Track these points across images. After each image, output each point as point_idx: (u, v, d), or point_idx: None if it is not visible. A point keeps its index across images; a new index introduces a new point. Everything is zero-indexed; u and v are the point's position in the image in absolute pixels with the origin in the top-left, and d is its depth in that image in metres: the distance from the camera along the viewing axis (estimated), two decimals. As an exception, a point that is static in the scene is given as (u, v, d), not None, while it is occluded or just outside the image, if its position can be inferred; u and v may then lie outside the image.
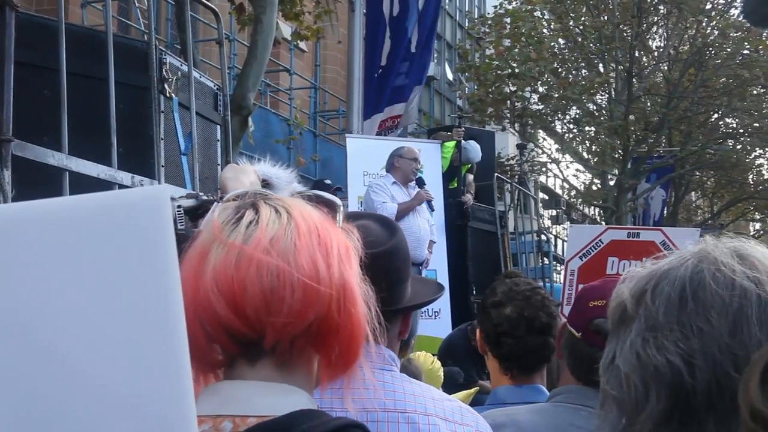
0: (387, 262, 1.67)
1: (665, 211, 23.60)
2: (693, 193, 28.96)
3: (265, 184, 2.08)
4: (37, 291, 0.72)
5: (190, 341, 0.75)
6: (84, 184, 3.86)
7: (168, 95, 4.74)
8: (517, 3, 20.37)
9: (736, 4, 20.72)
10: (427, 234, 7.25)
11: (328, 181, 9.19)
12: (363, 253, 1.21)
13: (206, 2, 6.35)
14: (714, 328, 0.95)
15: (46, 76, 4.18)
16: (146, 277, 0.73)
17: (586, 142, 23.65)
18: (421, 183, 7.27)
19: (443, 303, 7.71)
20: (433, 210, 7.40)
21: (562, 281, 5.47)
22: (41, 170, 3.76)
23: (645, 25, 21.12)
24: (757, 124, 23.14)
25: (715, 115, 23.04)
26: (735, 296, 0.96)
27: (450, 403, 1.66)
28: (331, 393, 1.26)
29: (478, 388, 3.79)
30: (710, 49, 20.94)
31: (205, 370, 1.14)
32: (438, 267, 8.01)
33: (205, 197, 2.20)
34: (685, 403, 0.95)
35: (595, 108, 21.91)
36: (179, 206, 2.11)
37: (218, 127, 5.57)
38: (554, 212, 26.37)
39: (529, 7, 19.84)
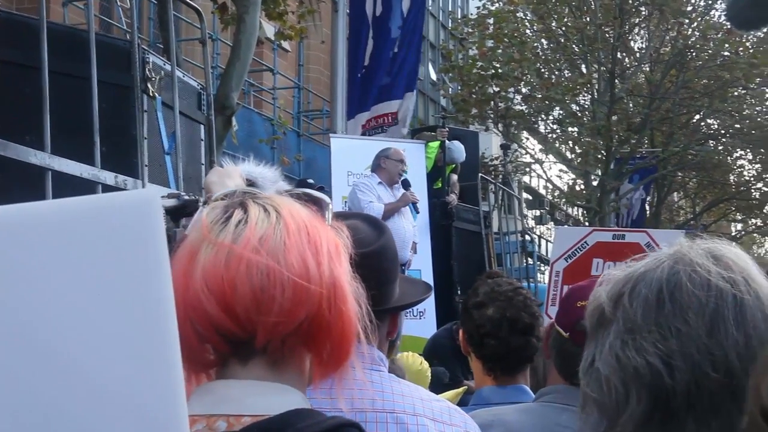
0: (375, 261, 1.66)
1: (646, 212, 23.74)
2: (675, 193, 29.14)
3: (250, 183, 2.08)
4: (30, 293, 0.72)
5: (181, 341, 0.74)
6: (67, 184, 3.82)
7: (151, 94, 4.71)
8: (499, 4, 20.43)
9: (716, 6, 20.91)
10: (411, 235, 7.26)
11: (310, 181, 9.17)
12: (353, 252, 1.21)
13: (189, 1, 6.31)
14: (692, 329, 0.96)
15: (27, 74, 4.14)
16: (138, 279, 0.73)
17: (569, 142, 23.78)
18: (406, 184, 7.27)
19: (428, 303, 7.71)
20: (418, 212, 7.40)
21: (547, 282, 5.49)
22: (23, 169, 3.72)
23: (627, 27, 21.24)
24: (738, 125, 23.33)
25: (697, 116, 23.20)
26: (711, 297, 0.97)
27: (438, 403, 1.66)
28: (322, 393, 1.25)
29: (466, 387, 3.79)
30: (691, 50, 21.10)
31: (196, 369, 1.13)
32: (422, 267, 8.01)
33: (186, 197, 2.18)
34: (665, 403, 0.95)
35: (578, 109, 22.02)
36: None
37: (202, 126, 5.54)
38: (538, 212, 26.47)
39: (512, 7, 19.91)
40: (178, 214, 2.11)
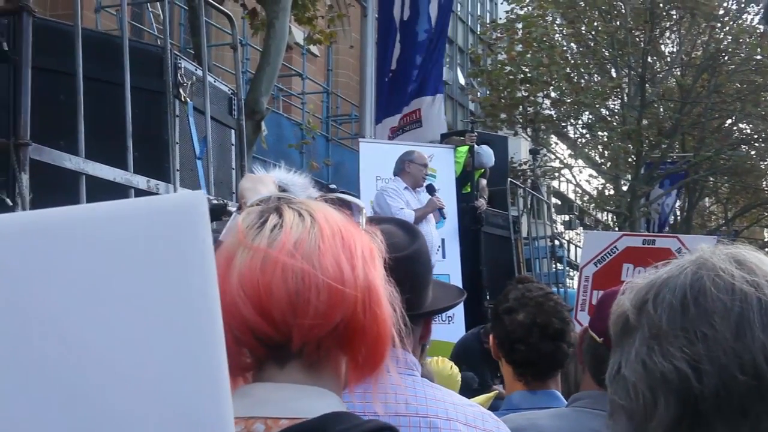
0: (409, 266, 1.66)
1: (677, 217, 23.53)
2: (707, 198, 28.85)
3: (281, 190, 2.09)
4: (78, 297, 0.73)
5: None
6: (100, 188, 3.87)
7: (183, 99, 4.74)
8: (528, 8, 20.37)
9: (749, 9, 20.70)
10: (437, 240, 7.24)
11: (333, 186, 9.19)
12: (387, 257, 1.21)
13: (220, 7, 6.37)
14: (718, 333, 0.96)
15: (62, 80, 4.19)
16: (185, 283, 0.74)
17: (599, 147, 23.63)
18: (431, 190, 7.25)
19: (457, 308, 7.69)
20: (444, 218, 7.37)
21: (576, 287, 5.45)
22: (58, 174, 3.77)
23: (658, 31, 21.08)
24: (771, 130, 23.06)
25: (729, 121, 22.96)
26: (736, 300, 0.97)
27: (471, 408, 1.65)
28: (357, 396, 1.26)
29: (496, 392, 3.78)
30: (723, 54, 20.89)
31: (234, 373, 1.14)
32: (451, 272, 7.99)
33: (215, 201, 2.21)
34: (694, 408, 0.95)
35: (607, 113, 21.88)
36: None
37: (233, 131, 5.57)
38: (567, 217, 26.31)
39: (541, 12, 19.84)
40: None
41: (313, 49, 13.91)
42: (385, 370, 1.18)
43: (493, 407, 3.14)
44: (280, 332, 1.10)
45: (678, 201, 23.73)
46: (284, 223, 1.13)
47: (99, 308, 0.72)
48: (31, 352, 0.72)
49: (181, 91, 4.72)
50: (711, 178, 24.75)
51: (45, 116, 3.87)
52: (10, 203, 3.62)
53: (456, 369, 4.09)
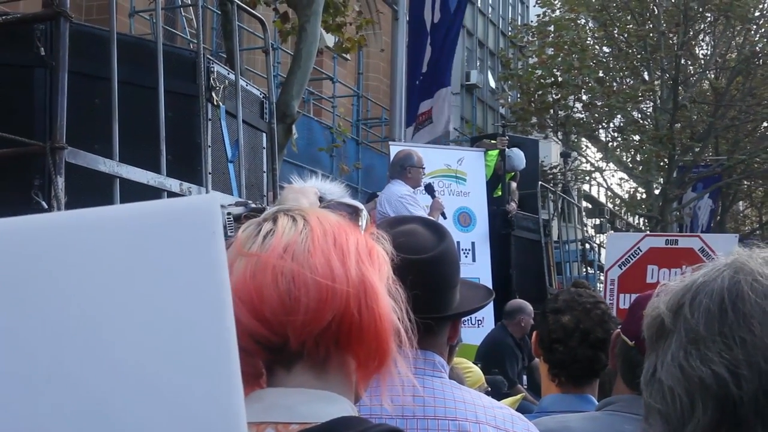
0: (436, 267, 1.66)
1: (713, 221, 23.27)
2: (741, 202, 28.49)
3: (318, 199, 2.11)
4: (91, 298, 0.74)
5: None
6: (134, 191, 3.91)
7: (215, 103, 4.78)
8: (560, 11, 20.28)
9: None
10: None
11: (380, 193, 9.25)
12: (399, 258, 1.23)
13: (253, 11, 6.41)
14: (757, 338, 0.95)
15: (97, 84, 4.24)
16: (197, 286, 0.74)
17: (631, 150, 23.44)
18: (431, 190, 7.27)
19: (487, 311, 7.69)
20: (445, 218, 7.39)
21: (602, 290, 5.42)
22: (93, 177, 3.82)
23: (691, 33, 20.89)
24: (807, 133, 22.72)
25: (765, 124, 22.67)
26: None
27: (501, 410, 1.64)
28: (378, 399, 1.26)
29: (523, 394, 3.76)
30: (758, 57, 20.64)
31: (245, 381, 1.15)
32: (481, 275, 7.99)
33: (253, 205, 2.23)
34: (733, 413, 0.95)
35: (639, 116, 21.70)
36: (229, 214, 2.17)
37: (264, 134, 5.60)
38: (598, 221, 26.13)
39: (573, 15, 19.75)
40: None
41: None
42: (393, 368, 1.17)
43: (525, 409, 3.13)
44: (276, 333, 1.11)
45: (714, 205, 23.46)
46: (277, 228, 1.15)
47: (110, 309, 0.73)
48: (39, 353, 0.73)
49: (213, 94, 4.76)
50: (745, 182, 24.44)
51: (80, 120, 3.92)
52: (46, 206, 3.68)
53: (467, 363, 4.02)
